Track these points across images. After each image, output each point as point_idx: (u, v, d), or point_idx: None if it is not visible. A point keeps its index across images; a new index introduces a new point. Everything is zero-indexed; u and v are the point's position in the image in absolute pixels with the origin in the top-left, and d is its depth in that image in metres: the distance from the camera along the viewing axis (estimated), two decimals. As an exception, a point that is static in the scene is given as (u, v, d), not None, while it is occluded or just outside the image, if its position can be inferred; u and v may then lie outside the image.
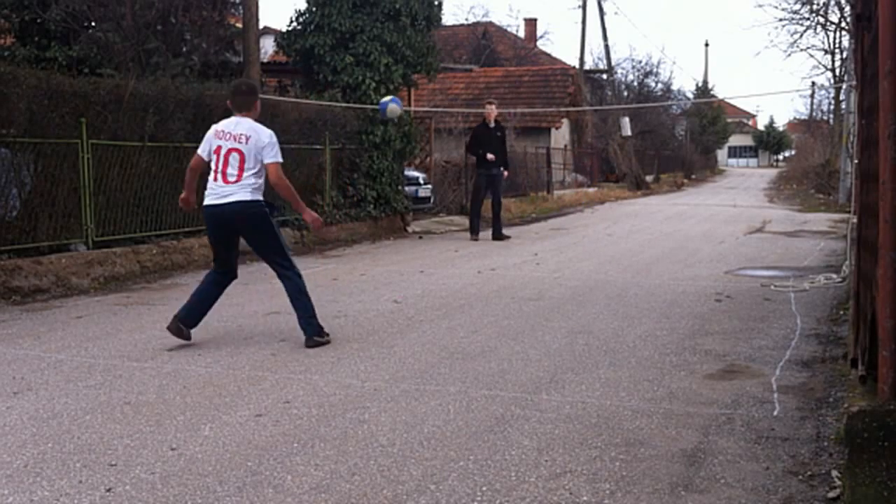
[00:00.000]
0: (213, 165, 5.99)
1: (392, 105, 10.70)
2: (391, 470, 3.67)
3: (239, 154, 5.88)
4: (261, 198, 5.99)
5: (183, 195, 6.29)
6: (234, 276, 6.30)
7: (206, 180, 6.06)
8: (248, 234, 6.07)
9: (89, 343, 6.15)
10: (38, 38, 12.10)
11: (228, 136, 5.94)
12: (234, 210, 5.89)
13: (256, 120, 6.07)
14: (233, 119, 6.02)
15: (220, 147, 5.95)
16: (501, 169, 13.89)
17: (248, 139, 5.89)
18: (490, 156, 13.56)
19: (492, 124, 13.90)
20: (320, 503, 3.35)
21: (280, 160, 5.96)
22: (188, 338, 6.05)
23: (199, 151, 6.10)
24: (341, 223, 13.49)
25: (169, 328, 6.03)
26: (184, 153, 10.46)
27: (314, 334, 6.07)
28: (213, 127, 6.09)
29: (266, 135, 5.92)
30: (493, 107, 14.06)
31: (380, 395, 4.79)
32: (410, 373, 5.30)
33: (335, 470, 3.67)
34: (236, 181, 5.89)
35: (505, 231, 14.15)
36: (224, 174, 5.91)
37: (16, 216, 8.52)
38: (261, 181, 5.99)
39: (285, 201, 6.26)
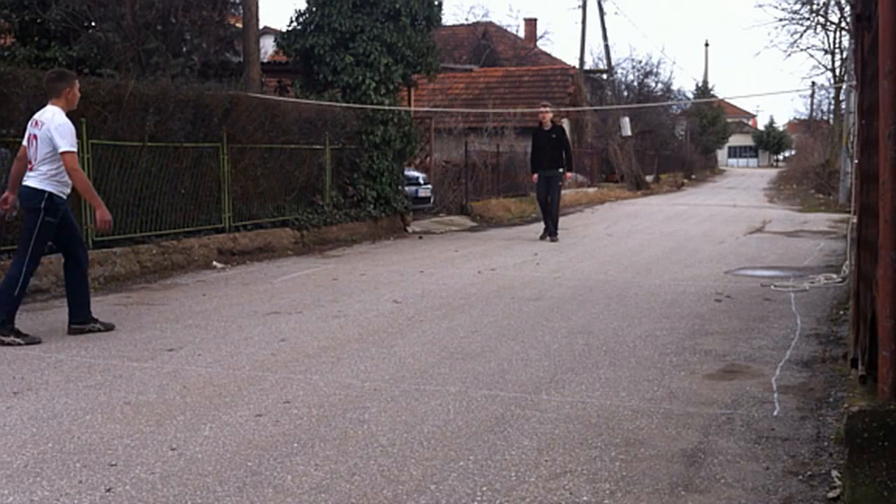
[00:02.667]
0: (27, 152, 6.19)
1: None
2: (391, 470, 3.67)
3: (35, 140, 6.04)
4: (48, 189, 6.03)
5: (4, 194, 6.43)
6: (78, 261, 6.39)
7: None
8: (24, 216, 6.19)
9: (89, 343, 6.15)
10: (38, 38, 12.11)
11: (35, 122, 6.13)
12: (22, 193, 6.12)
13: (69, 111, 6.17)
14: (46, 106, 6.15)
15: (29, 134, 6.14)
16: (560, 170, 13.96)
17: (42, 125, 6.00)
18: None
19: (547, 126, 13.97)
20: (320, 503, 3.35)
21: (72, 149, 5.98)
22: (110, 327, 6.44)
23: (23, 142, 6.28)
24: (341, 223, 13.50)
25: (70, 333, 6.33)
26: (184, 153, 10.48)
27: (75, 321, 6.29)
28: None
29: (56, 123, 5.96)
30: (547, 109, 14.21)
31: (380, 395, 4.79)
32: (410, 373, 5.30)
33: (335, 470, 3.67)
34: (32, 167, 6.05)
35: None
36: (30, 161, 6.10)
37: (16, 216, 8.50)
38: (55, 168, 6.02)
39: (80, 193, 6.29)
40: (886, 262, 3.22)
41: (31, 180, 6.08)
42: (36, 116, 6.19)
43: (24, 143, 6.26)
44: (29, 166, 6.13)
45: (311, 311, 7.39)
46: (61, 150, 5.94)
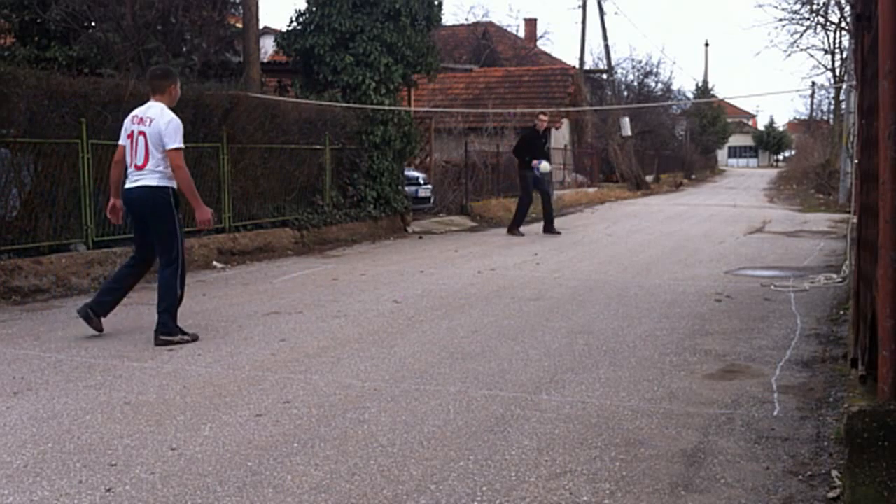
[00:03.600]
0: (128, 151, 6.07)
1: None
2: (391, 470, 3.67)
3: (144, 137, 5.94)
4: (168, 184, 6.01)
5: (110, 203, 6.32)
6: (149, 266, 6.37)
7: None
8: (149, 220, 6.06)
9: (89, 343, 6.15)
10: (38, 38, 12.11)
11: (138, 119, 6.03)
12: (138, 194, 5.98)
13: (172, 107, 6.11)
14: (148, 103, 6.10)
15: (132, 132, 6.03)
16: (547, 170, 15.31)
17: (151, 122, 5.94)
18: (544, 165, 14.91)
19: (540, 132, 15.23)
20: (320, 503, 3.35)
21: (180, 146, 5.95)
22: (99, 328, 6.19)
23: (120, 141, 6.18)
24: (341, 223, 13.50)
25: (79, 311, 6.18)
26: (184, 153, 10.46)
27: (164, 333, 6.04)
28: (131, 113, 6.18)
29: (167, 119, 5.93)
30: (546, 118, 15.60)
31: (380, 395, 4.79)
32: (410, 373, 5.30)
33: (335, 470, 3.67)
34: (143, 165, 5.96)
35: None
36: (135, 159, 6.00)
37: (16, 216, 8.52)
38: (168, 169, 6.00)
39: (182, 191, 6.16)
40: (886, 262, 3.22)
41: (148, 179, 5.97)
42: (138, 113, 6.07)
43: (123, 142, 6.10)
44: (136, 166, 5.99)
45: (311, 311, 7.38)
46: (170, 147, 5.90)
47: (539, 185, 15.06)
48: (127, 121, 6.13)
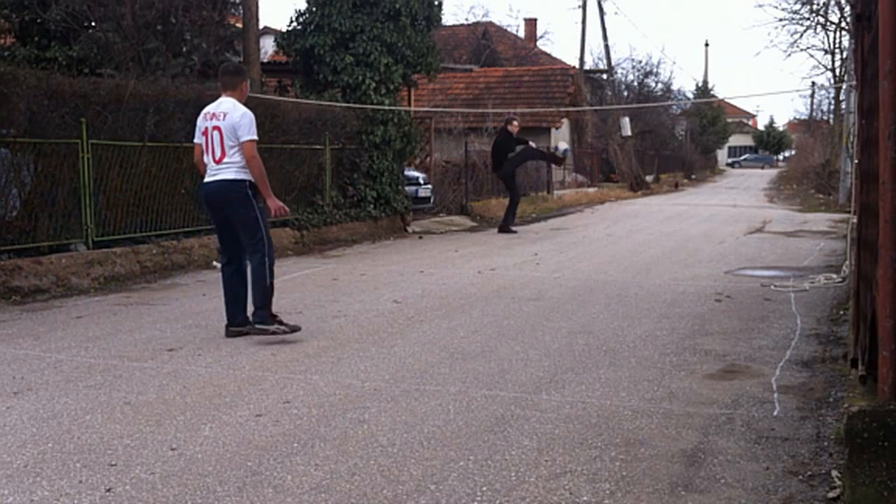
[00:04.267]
0: (205, 147, 6.17)
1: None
2: (391, 470, 3.67)
3: (219, 132, 6.05)
4: (245, 177, 6.09)
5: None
6: (245, 267, 6.36)
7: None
8: (229, 212, 6.14)
9: (89, 343, 6.15)
10: (38, 38, 12.11)
11: (212, 115, 6.14)
12: (218, 188, 6.07)
13: (243, 103, 6.22)
14: (220, 99, 6.21)
15: (206, 128, 6.14)
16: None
17: (225, 116, 6.05)
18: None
19: (514, 134, 15.69)
20: (320, 503, 3.35)
21: (254, 137, 6.04)
22: (241, 333, 6.26)
23: (195, 140, 6.29)
24: (341, 223, 13.49)
25: (229, 336, 6.25)
26: (184, 153, 10.46)
27: (258, 321, 6.12)
28: (202, 111, 6.28)
29: (240, 113, 6.05)
30: (517, 124, 15.96)
31: (380, 395, 4.79)
32: (410, 373, 5.30)
33: (335, 470, 3.67)
34: (220, 159, 6.06)
35: (497, 234, 15.19)
36: (212, 152, 6.11)
37: (16, 216, 8.52)
38: (243, 160, 6.08)
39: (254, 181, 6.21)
40: (886, 262, 3.22)
41: (226, 173, 6.07)
42: (210, 110, 6.17)
43: (199, 140, 6.20)
44: (214, 160, 6.10)
45: (311, 311, 7.38)
46: (245, 138, 6.00)
47: (513, 189, 15.63)
48: (200, 119, 6.24)
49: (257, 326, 6.11)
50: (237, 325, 6.29)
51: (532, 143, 16.32)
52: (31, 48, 11.84)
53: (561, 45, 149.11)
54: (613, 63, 37.79)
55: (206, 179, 6.17)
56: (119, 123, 9.59)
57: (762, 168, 73.48)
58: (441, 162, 19.68)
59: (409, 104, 16.28)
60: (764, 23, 59.09)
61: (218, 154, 6.08)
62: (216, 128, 6.08)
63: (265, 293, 6.17)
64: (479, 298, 8.05)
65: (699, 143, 53.67)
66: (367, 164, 14.20)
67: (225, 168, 6.08)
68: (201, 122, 6.22)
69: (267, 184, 6.18)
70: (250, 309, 6.24)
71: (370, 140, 14.08)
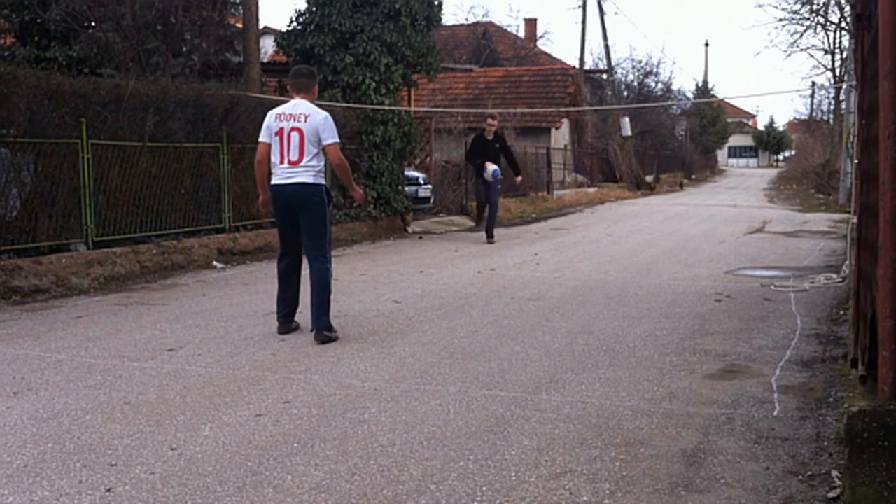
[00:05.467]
0: (276, 147, 6.13)
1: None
2: (391, 470, 3.67)
3: (299, 133, 6.04)
4: (323, 182, 6.16)
5: (260, 198, 6.46)
6: (301, 259, 6.40)
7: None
8: (302, 214, 6.15)
9: (89, 343, 6.15)
10: (38, 38, 12.11)
11: (289, 116, 6.13)
12: (295, 191, 6.05)
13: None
14: (292, 101, 6.23)
15: (282, 129, 6.11)
16: (500, 177, 13.99)
17: (307, 118, 6.08)
18: (489, 169, 13.71)
19: (490, 136, 14.02)
20: (320, 503, 3.35)
21: (338, 140, 6.15)
22: (297, 326, 6.38)
23: (262, 139, 6.24)
24: (341, 223, 13.49)
25: (280, 332, 6.33)
26: (184, 153, 10.48)
27: (323, 328, 6.12)
28: (271, 112, 6.29)
29: (322, 116, 6.12)
30: (495, 122, 14.27)
31: (380, 395, 4.79)
32: (410, 373, 5.30)
33: (335, 470, 3.67)
34: (298, 161, 6.04)
35: (497, 234, 13.95)
36: (288, 155, 6.06)
37: (16, 216, 8.52)
38: (321, 164, 6.14)
39: (342, 181, 6.39)
40: (886, 262, 3.22)
41: (303, 175, 6.05)
42: (286, 111, 6.16)
43: (267, 140, 6.16)
44: (289, 161, 6.05)
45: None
46: (329, 141, 6.07)
47: (487, 192, 13.91)
48: (271, 119, 6.19)
49: (325, 333, 6.08)
50: (290, 320, 6.38)
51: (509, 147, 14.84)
52: (31, 48, 11.85)
53: (561, 45, 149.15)
54: (613, 63, 37.83)
55: (280, 181, 6.09)
56: (119, 123, 9.59)
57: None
58: (441, 162, 19.68)
59: (409, 104, 16.27)
60: (764, 23, 59.15)
61: (295, 156, 6.03)
62: (296, 129, 6.04)
63: (329, 300, 6.19)
64: (479, 298, 8.05)
65: (699, 143, 53.69)
66: (367, 164, 14.20)
67: (302, 171, 6.05)
68: (274, 123, 6.15)
69: (352, 179, 6.42)
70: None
71: (370, 140, 14.08)
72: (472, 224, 16.69)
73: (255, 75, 13.03)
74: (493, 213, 13.95)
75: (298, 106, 6.16)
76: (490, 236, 13.68)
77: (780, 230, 15.83)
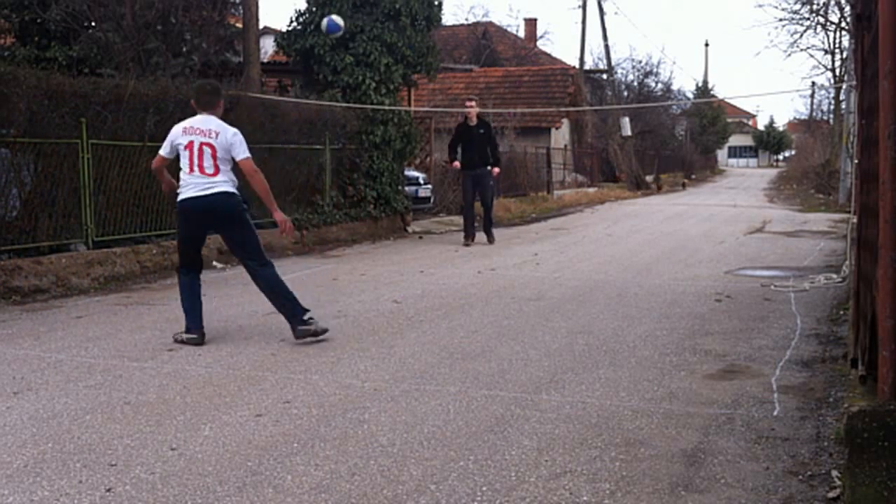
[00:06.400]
0: (185, 161, 6.06)
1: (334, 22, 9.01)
2: (391, 470, 3.67)
3: (211, 149, 6.01)
4: (237, 192, 6.14)
5: (165, 187, 6.41)
6: (200, 272, 6.38)
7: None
8: (228, 227, 6.14)
9: (89, 343, 6.15)
10: (38, 38, 12.10)
11: (198, 131, 6.05)
12: (218, 201, 6.00)
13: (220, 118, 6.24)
14: (199, 117, 6.14)
15: (191, 142, 6.04)
16: (488, 168, 13.09)
17: (217, 135, 6.03)
18: (456, 162, 13.02)
19: (473, 122, 13.08)
20: (320, 503, 3.35)
21: (250, 155, 6.10)
22: (203, 339, 6.16)
23: (162, 152, 6.19)
24: (341, 223, 13.49)
25: (179, 341, 6.16)
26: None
27: (300, 325, 6.08)
28: (179, 125, 6.19)
29: (231, 132, 6.08)
30: (474, 104, 13.29)
31: (380, 395, 4.79)
32: (410, 373, 5.30)
33: (335, 470, 3.67)
34: (214, 174, 6.01)
35: (497, 235, 13.50)
36: (201, 167, 6.02)
37: (16, 216, 8.52)
38: (234, 178, 6.14)
39: (258, 197, 6.27)
40: (886, 262, 3.22)
41: (222, 185, 6.04)
42: (194, 125, 6.07)
43: (169, 153, 6.11)
44: (206, 174, 5.99)
45: (311, 311, 7.36)
46: (242, 157, 6.05)
47: (478, 187, 13.11)
48: (179, 132, 6.10)
49: (303, 329, 6.05)
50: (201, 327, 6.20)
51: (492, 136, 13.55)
52: (31, 48, 11.84)
53: (561, 45, 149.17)
54: (613, 63, 37.81)
55: (197, 193, 5.98)
56: (119, 123, 9.58)
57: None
58: (441, 162, 19.67)
59: (409, 104, 16.27)
60: (764, 23, 59.16)
61: (211, 169, 6.01)
62: (207, 144, 6.00)
63: (293, 298, 6.15)
64: (479, 298, 8.05)
65: (699, 143, 53.69)
66: (367, 164, 14.19)
67: (221, 182, 6.04)
68: (182, 137, 6.06)
69: (272, 198, 6.21)
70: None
71: (370, 140, 14.07)
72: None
73: (255, 75, 13.03)
74: (487, 213, 13.31)
75: (207, 122, 6.08)
76: (490, 237, 13.26)
77: (780, 230, 15.82)
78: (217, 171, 6.02)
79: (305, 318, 6.13)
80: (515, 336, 6.36)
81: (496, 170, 13.36)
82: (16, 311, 7.45)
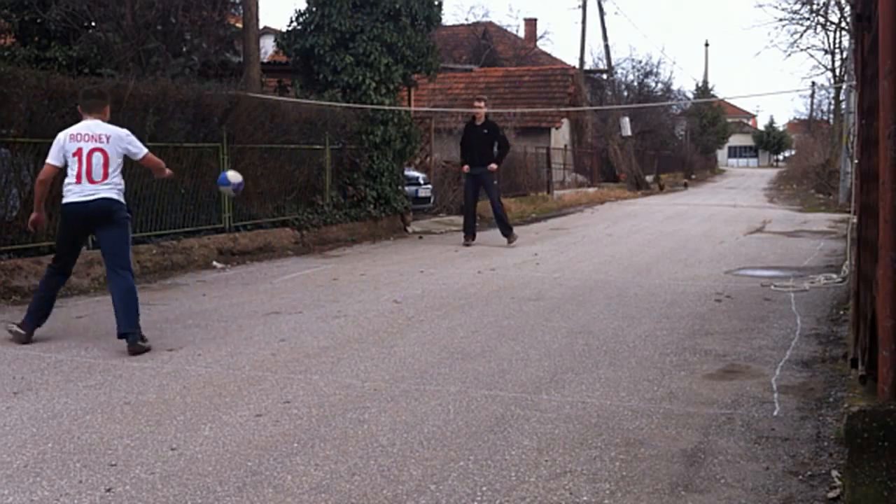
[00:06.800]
0: (73, 169, 6.00)
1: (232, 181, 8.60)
2: (391, 470, 3.67)
3: (102, 154, 6.01)
4: (124, 201, 6.16)
5: (33, 216, 6.29)
6: (68, 277, 6.50)
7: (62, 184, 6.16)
8: (107, 231, 6.11)
9: (89, 343, 6.15)
10: (38, 38, 12.10)
11: (87, 137, 6.02)
12: (100, 206, 6.00)
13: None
14: (85, 122, 6.11)
15: (80, 149, 5.99)
16: (488, 167, 12.90)
17: (108, 138, 6.05)
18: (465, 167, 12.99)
19: (480, 121, 13.10)
20: (320, 503, 3.35)
21: (146, 149, 6.35)
22: (28, 340, 6.15)
23: (51, 160, 6.07)
24: (341, 223, 13.49)
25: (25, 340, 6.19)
26: (184, 153, 10.48)
27: (142, 340, 5.95)
28: (63, 132, 6.12)
29: (124, 133, 6.18)
30: (481, 104, 13.26)
31: (380, 395, 4.79)
32: (410, 373, 5.30)
33: (335, 470, 3.67)
34: (102, 180, 6.01)
35: (496, 235, 13.31)
36: (89, 175, 5.98)
37: (16, 216, 8.51)
38: (122, 183, 6.16)
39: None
40: (886, 262, 3.22)
41: (107, 191, 6.02)
42: (81, 131, 6.05)
43: (57, 162, 6.03)
44: (91, 181, 5.97)
45: (311, 311, 7.38)
46: (142, 154, 6.25)
47: (482, 187, 13.01)
48: (65, 140, 6.03)
49: (140, 344, 5.90)
50: (27, 327, 6.21)
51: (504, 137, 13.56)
52: (31, 48, 11.84)
53: (561, 45, 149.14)
54: (613, 63, 37.81)
55: (82, 199, 5.97)
56: (119, 123, 9.50)
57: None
58: (441, 162, 19.69)
59: (409, 104, 16.27)
60: (764, 23, 59.10)
61: (99, 176, 5.98)
62: (98, 150, 5.99)
63: (138, 313, 6.06)
64: (479, 298, 8.05)
65: (699, 143, 53.67)
66: (367, 164, 14.20)
67: (106, 188, 6.02)
68: (70, 144, 6.00)
69: (163, 165, 6.56)
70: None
71: (370, 140, 14.08)
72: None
73: (255, 75, 13.03)
74: (496, 212, 13.10)
75: (96, 127, 6.07)
76: (509, 235, 12.95)
77: (780, 230, 15.82)
78: (105, 176, 6.01)
79: (144, 336, 6.03)
80: (515, 336, 6.36)
81: (492, 166, 13.00)
82: (16, 311, 7.44)
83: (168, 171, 6.62)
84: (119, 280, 6.09)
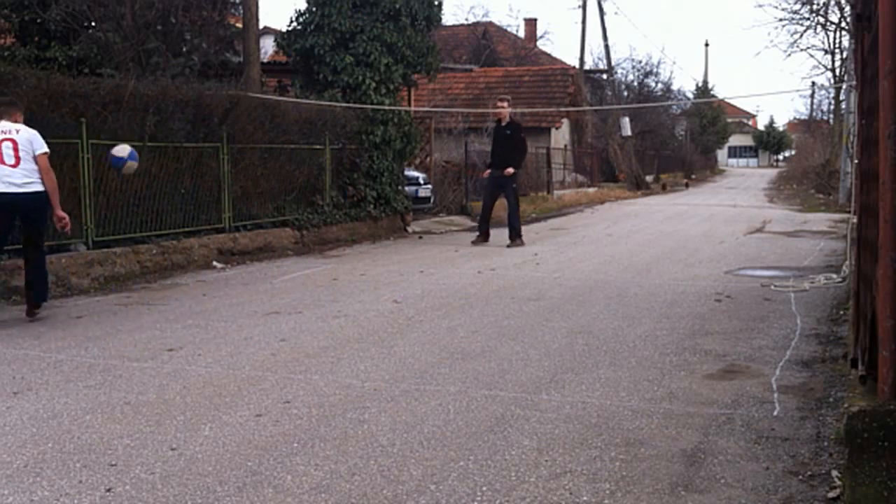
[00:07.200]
0: None
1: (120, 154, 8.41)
2: (391, 470, 3.67)
3: (13, 143, 6.73)
4: (43, 188, 6.84)
5: None
6: (37, 247, 7.15)
7: None
8: (32, 219, 6.97)
9: (89, 343, 6.15)
10: (38, 38, 12.10)
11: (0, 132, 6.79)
12: (32, 199, 6.79)
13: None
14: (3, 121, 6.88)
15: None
16: (505, 170, 12.83)
17: (18, 131, 6.81)
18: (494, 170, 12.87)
19: (503, 122, 13.03)
20: (320, 503, 3.35)
21: (48, 151, 6.89)
22: None
23: None
24: (341, 223, 13.49)
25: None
26: (184, 153, 10.49)
27: (42, 301, 7.05)
28: None
29: (32, 131, 6.88)
30: (504, 104, 13.14)
31: (380, 395, 4.79)
32: (410, 373, 5.30)
33: (335, 470, 3.67)
34: (16, 165, 6.71)
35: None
36: (0, 159, 6.68)
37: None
38: (35, 168, 6.81)
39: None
40: (886, 262, 3.22)
41: (35, 185, 6.84)
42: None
43: None
44: (9, 165, 6.68)
45: (311, 311, 7.38)
46: (41, 151, 6.85)
47: (496, 191, 13.07)
48: None
49: (43, 304, 7.06)
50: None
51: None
52: (31, 48, 11.84)
53: (561, 45, 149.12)
54: (613, 63, 37.82)
55: (12, 190, 6.70)
56: (119, 123, 9.58)
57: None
58: (441, 162, 19.69)
59: (409, 104, 16.27)
60: (764, 23, 59.08)
61: (12, 161, 6.70)
62: (9, 139, 6.73)
63: (48, 287, 7.21)
64: (479, 298, 8.05)
65: (699, 143, 53.67)
66: (367, 164, 14.20)
67: (28, 179, 6.75)
68: None
69: (58, 195, 7.01)
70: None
71: (370, 140, 14.08)
72: (473, 224, 16.05)
73: (255, 75, 13.03)
74: (511, 211, 12.90)
75: (8, 125, 6.84)
76: (518, 236, 12.84)
77: (780, 230, 15.83)
78: (18, 162, 6.71)
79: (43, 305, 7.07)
80: (515, 336, 6.36)
81: (508, 170, 12.87)
82: (16, 311, 7.45)
83: (58, 204, 7.06)
84: (36, 258, 7.05)
